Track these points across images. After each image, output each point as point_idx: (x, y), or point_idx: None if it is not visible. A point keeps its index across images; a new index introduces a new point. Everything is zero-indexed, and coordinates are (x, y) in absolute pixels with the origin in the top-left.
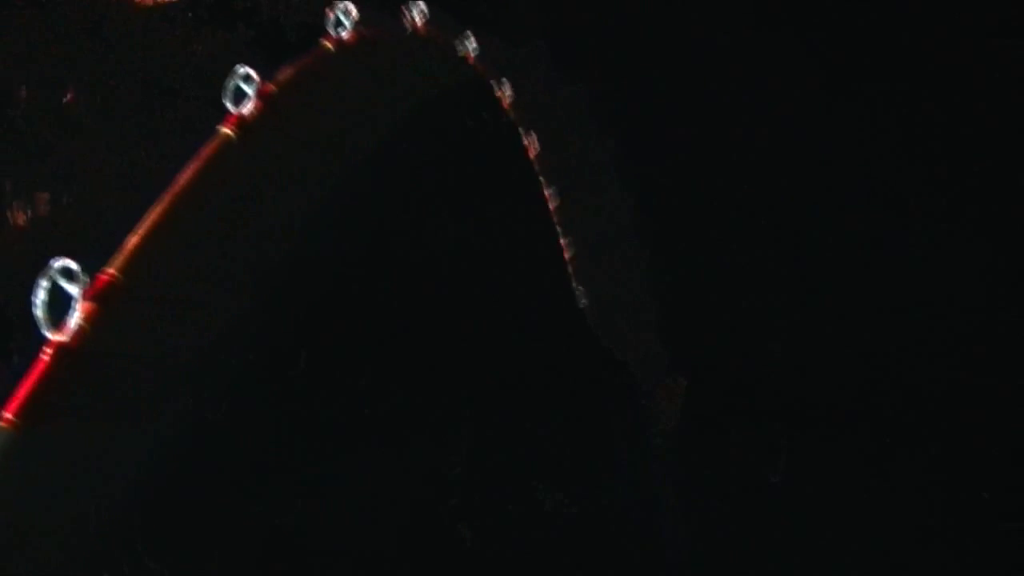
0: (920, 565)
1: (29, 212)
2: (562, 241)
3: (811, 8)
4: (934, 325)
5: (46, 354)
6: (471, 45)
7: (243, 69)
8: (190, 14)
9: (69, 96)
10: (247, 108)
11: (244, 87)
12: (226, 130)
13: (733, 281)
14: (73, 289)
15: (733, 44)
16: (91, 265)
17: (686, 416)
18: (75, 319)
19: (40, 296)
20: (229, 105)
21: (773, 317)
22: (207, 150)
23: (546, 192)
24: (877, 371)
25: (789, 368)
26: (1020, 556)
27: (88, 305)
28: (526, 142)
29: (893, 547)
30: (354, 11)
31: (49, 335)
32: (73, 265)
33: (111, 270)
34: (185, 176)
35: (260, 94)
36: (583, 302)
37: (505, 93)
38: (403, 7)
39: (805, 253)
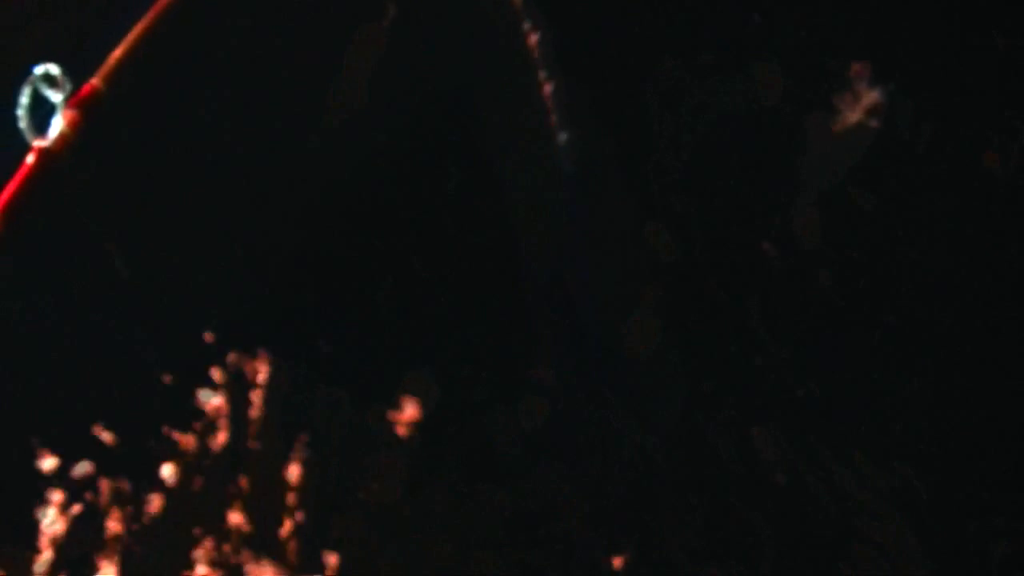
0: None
1: None
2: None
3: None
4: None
5: (30, 158)
6: None
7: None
8: None
9: None
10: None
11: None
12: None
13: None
14: (56, 96)
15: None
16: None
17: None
18: (58, 125)
19: (23, 102)
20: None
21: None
22: None
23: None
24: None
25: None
26: (1019, 556)
27: (71, 112)
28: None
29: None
30: None
31: (32, 140)
32: (55, 71)
33: (95, 80)
34: None
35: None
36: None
37: None
38: None
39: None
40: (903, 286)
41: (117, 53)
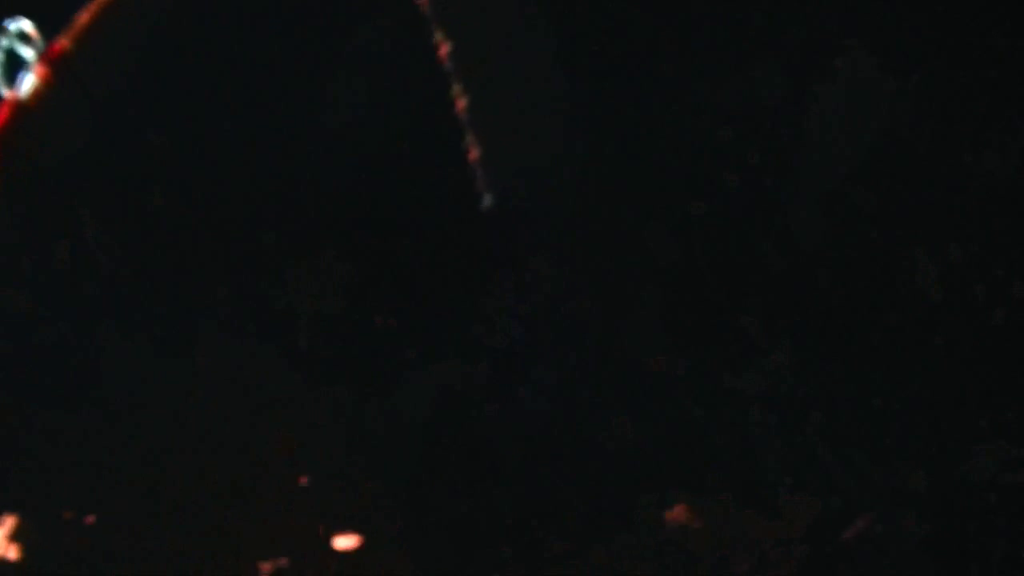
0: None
1: None
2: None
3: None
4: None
5: (4, 110)
6: None
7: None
8: None
9: None
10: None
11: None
12: None
13: None
14: (29, 53)
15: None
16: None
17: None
18: (31, 80)
19: None
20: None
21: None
22: None
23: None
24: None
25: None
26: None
27: (43, 68)
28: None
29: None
30: None
31: (5, 93)
32: (29, 28)
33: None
34: None
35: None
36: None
37: None
38: None
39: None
40: (903, 286)
41: (85, 15)
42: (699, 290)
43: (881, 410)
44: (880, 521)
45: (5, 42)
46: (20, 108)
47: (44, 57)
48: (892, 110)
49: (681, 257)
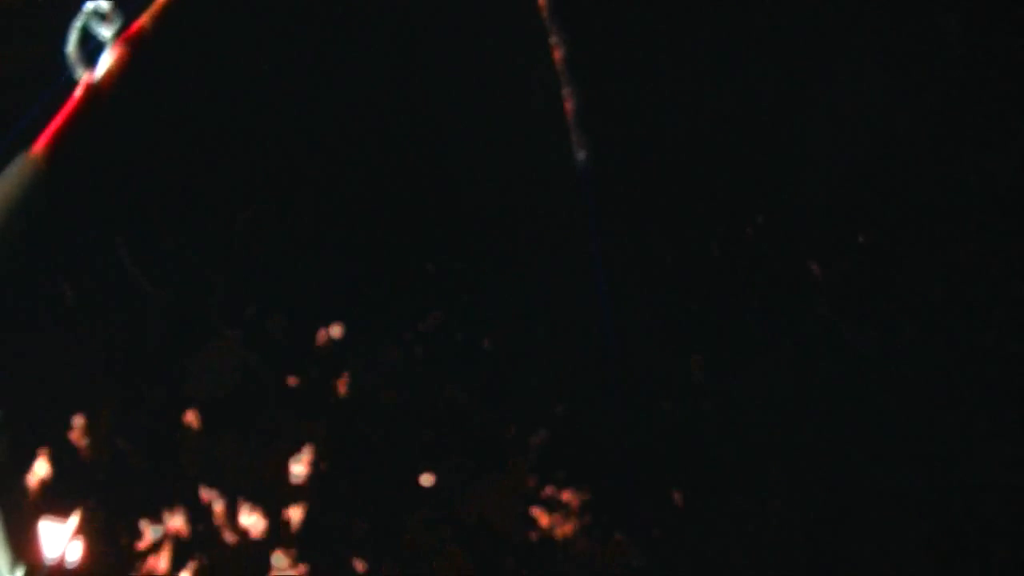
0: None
1: None
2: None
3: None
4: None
5: (77, 93)
6: None
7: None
8: None
9: None
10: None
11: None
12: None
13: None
14: (105, 32)
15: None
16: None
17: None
18: (106, 61)
19: (72, 36)
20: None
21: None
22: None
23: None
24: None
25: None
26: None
27: (120, 49)
28: None
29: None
30: None
31: (80, 75)
32: (105, 6)
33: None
34: None
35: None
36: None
37: None
38: None
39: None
40: (903, 286)
41: None
42: (699, 290)
43: (881, 410)
44: (880, 521)
45: (81, 21)
46: (94, 91)
47: (121, 37)
48: (892, 110)
49: (681, 257)
